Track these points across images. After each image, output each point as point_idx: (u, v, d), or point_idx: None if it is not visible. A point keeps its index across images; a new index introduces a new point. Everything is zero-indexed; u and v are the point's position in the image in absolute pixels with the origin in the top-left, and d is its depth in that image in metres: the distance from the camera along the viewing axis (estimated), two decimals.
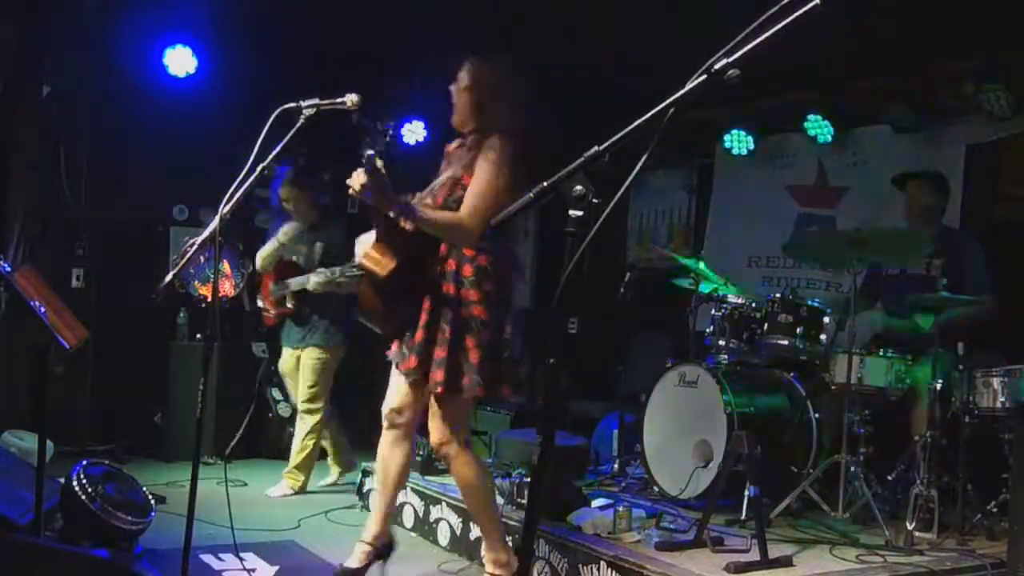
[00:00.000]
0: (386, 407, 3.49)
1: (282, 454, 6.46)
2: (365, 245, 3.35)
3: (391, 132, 3.13)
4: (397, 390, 3.46)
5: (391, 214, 3.19)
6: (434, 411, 3.36)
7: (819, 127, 5.99)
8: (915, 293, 4.35)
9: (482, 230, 3.15)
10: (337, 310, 5.19)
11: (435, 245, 3.32)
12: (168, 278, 3.52)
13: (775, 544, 3.52)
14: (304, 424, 5.26)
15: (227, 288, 4.74)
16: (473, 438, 5.90)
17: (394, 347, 3.43)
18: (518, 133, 3.26)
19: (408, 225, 3.23)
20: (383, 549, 3.57)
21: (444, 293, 3.25)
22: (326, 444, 5.52)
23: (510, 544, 3.47)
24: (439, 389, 3.23)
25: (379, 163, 3.04)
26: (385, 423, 3.51)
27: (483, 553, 3.53)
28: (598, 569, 3.43)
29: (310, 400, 5.23)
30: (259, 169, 3.09)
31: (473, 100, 3.31)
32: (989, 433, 3.95)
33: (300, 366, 5.26)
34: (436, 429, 3.35)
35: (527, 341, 7.74)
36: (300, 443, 5.24)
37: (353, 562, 3.51)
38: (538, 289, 8.16)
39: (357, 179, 3.09)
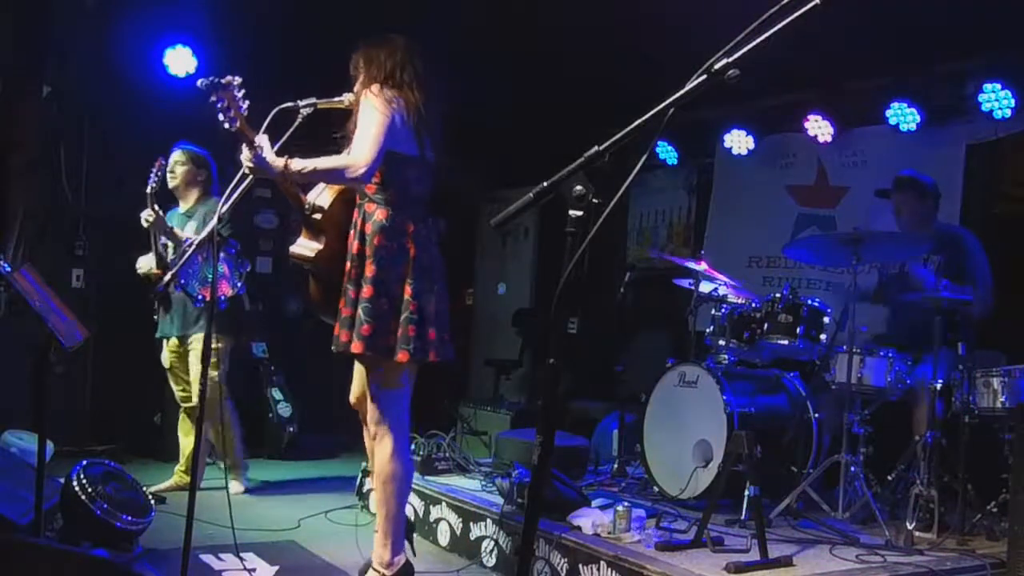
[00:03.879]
0: (351, 399, 3.53)
1: (282, 454, 6.49)
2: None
3: (237, 86, 3.04)
4: (355, 381, 3.50)
5: (275, 179, 3.21)
6: (367, 386, 3.38)
7: (819, 127, 6.00)
8: (918, 292, 4.35)
9: (368, 166, 3.15)
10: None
11: (349, 211, 3.36)
12: (167, 278, 3.52)
13: (775, 544, 3.52)
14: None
15: (225, 289, 4.72)
16: (472, 438, 5.96)
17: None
18: (403, 91, 3.28)
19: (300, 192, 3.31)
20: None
21: (353, 252, 3.30)
22: (186, 443, 5.16)
23: (407, 551, 3.48)
24: (351, 349, 3.23)
25: (251, 134, 3.05)
26: (361, 417, 3.53)
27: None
28: (598, 569, 3.43)
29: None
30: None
31: (364, 79, 3.34)
32: (989, 433, 3.96)
33: (191, 357, 4.97)
34: (369, 407, 3.37)
35: (527, 341, 7.82)
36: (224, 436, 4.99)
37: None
38: (538, 289, 8.16)
39: (244, 157, 3.09)
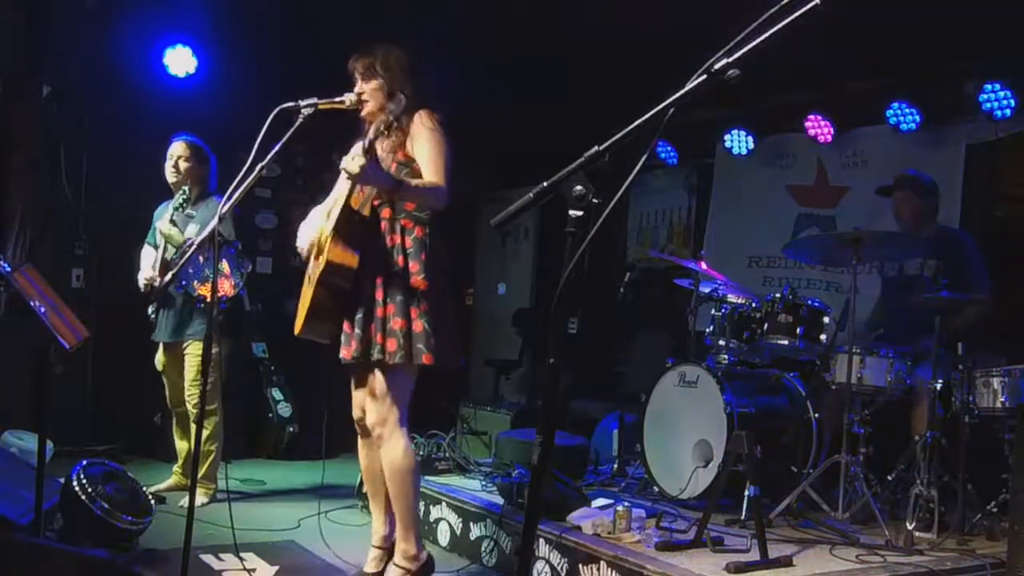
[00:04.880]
0: (355, 414, 3.55)
1: (282, 454, 6.49)
2: (310, 229, 3.46)
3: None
4: (359, 394, 3.50)
5: (387, 190, 3.29)
6: (372, 389, 3.38)
7: (819, 127, 6.00)
8: (914, 294, 4.35)
9: (449, 192, 3.31)
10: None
11: (378, 228, 3.39)
12: (168, 278, 3.52)
13: (775, 544, 3.52)
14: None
15: (227, 288, 4.69)
16: (472, 438, 5.97)
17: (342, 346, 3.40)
18: (435, 106, 3.39)
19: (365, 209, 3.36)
20: (393, 549, 3.58)
21: (393, 265, 3.33)
22: (182, 446, 5.09)
23: (424, 545, 3.52)
24: (396, 359, 3.27)
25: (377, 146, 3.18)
26: (358, 430, 3.56)
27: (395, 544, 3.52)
28: (598, 569, 3.43)
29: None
30: (258, 169, 3.10)
31: (387, 90, 3.37)
32: (989, 433, 3.95)
33: (186, 362, 4.85)
34: (373, 408, 3.39)
35: (527, 341, 7.81)
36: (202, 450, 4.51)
37: (370, 567, 3.57)
38: (538, 289, 8.16)
39: (355, 162, 3.12)
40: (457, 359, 3.44)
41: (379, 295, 3.31)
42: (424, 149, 3.33)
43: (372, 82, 3.39)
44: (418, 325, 3.29)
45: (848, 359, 4.13)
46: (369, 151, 3.15)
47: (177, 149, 4.89)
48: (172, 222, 4.72)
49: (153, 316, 4.88)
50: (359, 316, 3.30)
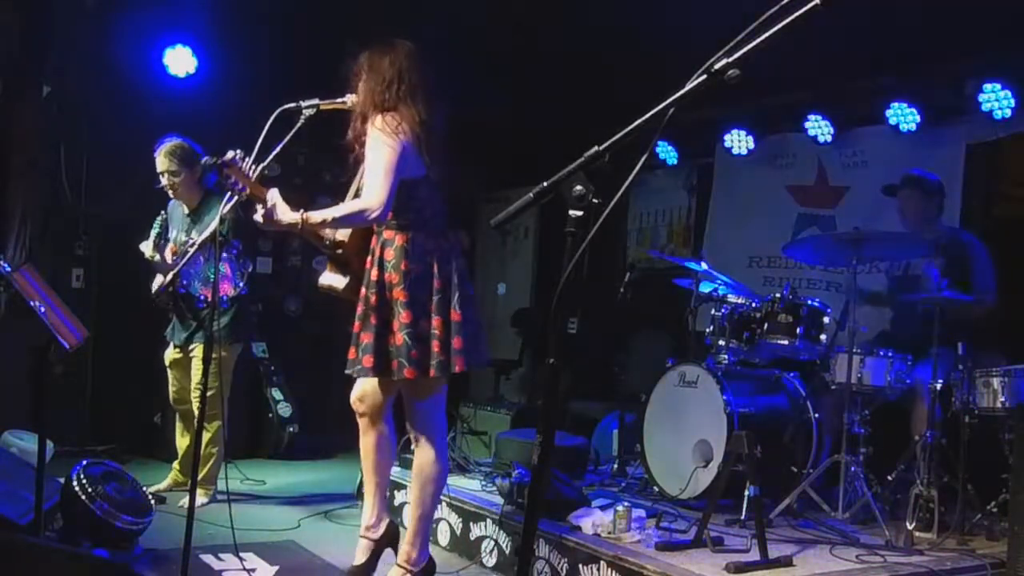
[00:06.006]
0: (351, 397, 3.56)
1: (282, 454, 6.49)
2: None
3: (240, 157, 3.14)
4: (358, 380, 3.51)
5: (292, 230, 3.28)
6: (404, 399, 3.43)
7: (819, 127, 6.00)
8: (920, 293, 4.36)
9: (384, 205, 3.15)
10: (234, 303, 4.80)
11: (369, 241, 3.38)
12: (168, 278, 3.53)
13: (775, 544, 3.52)
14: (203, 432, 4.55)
15: (227, 288, 4.70)
16: (472, 438, 5.96)
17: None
18: (406, 106, 3.25)
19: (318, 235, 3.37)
20: (383, 539, 3.56)
21: (371, 279, 3.31)
22: (182, 443, 5.08)
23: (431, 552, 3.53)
24: (370, 375, 3.29)
25: (262, 194, 3.15)
26: (358, 416, 3.57)
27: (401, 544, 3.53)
28: (598, 569, 3.43)
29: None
30: (259, 169, 3.11)
31: (365, 87, 3.32)
32: (989, 433, 3.95)
33: (193, 364, 4.83)
34: (411, 419, 3.42)
35: (527, 341, 7.81)
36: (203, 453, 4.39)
37: (358, 559, 3.54)
38: (538, 289, 8.17)
39: (257, 214, 3.20)
40: (449, 368, 3.28)
41: (358, 309, 3.33)
42: (366, 162, 3.22)
43: (359, 85, 3.34)
44: (398, 339, 3.23)
45: (848, 359, 4.13)
46: (260, 203, 3.13)
47: (160, 164, 4.78)
48: (155, 245, 4.75)
49: (171, 314, 4.91)
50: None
